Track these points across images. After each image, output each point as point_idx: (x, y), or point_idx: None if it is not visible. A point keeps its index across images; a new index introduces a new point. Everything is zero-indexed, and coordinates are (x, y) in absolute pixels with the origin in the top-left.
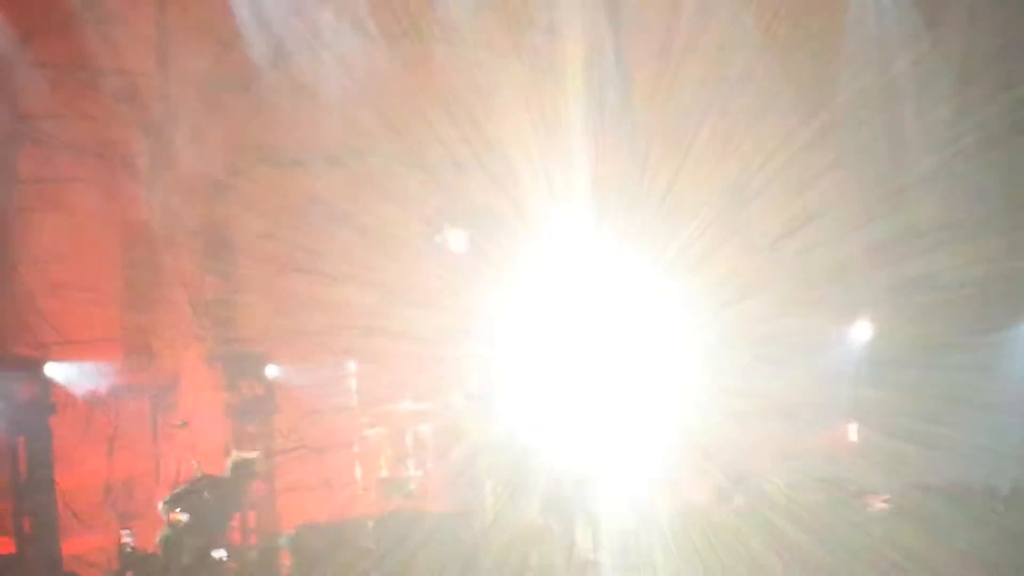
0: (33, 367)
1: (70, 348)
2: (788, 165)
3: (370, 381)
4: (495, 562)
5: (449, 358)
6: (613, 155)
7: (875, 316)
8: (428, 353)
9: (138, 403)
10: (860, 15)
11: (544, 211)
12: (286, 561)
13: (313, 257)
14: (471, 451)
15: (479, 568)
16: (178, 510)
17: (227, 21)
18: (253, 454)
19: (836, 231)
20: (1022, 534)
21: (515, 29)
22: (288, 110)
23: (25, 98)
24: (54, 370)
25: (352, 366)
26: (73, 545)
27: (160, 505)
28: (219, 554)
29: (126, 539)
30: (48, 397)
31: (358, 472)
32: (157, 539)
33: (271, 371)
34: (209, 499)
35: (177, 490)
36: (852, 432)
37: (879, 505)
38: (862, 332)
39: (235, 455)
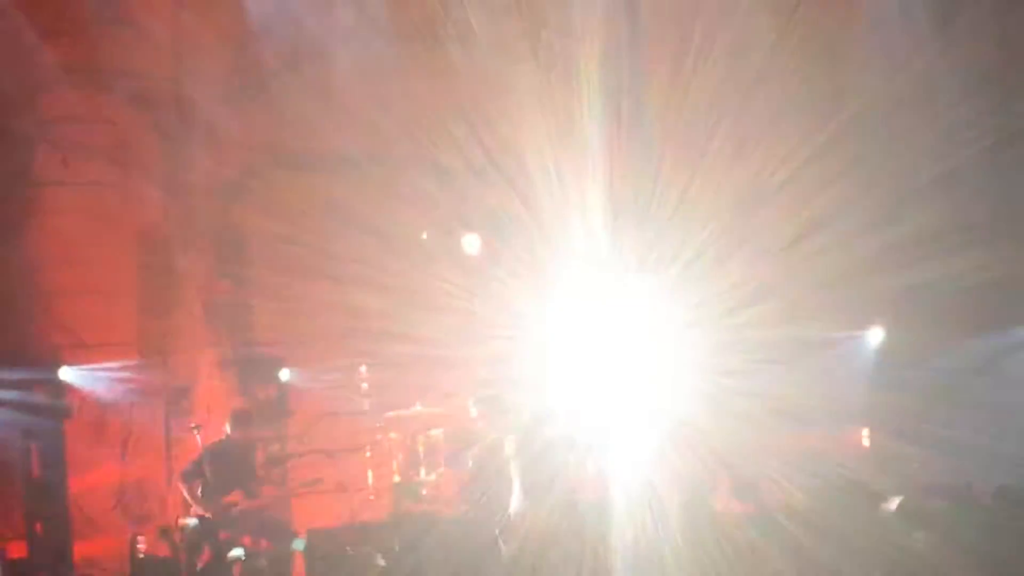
0: (47, 370)
1: (84, 351)
2: (803, 168)
3: (383, 385)
4: (509, 566)
5: (463, 362)
6: (628, 158)
7: (887, 319)
8: (442, 357)
9: (152, 407)
10: (876, 18)
11: (558, 215)
12: (298, 565)
13: (328, 261)
14: (485, 455)
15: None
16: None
17: (243, 23)
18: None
19: (849, 234)
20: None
21: (531, 31)
22: (304, 113)
23: (41, 101)
24: (68, 373)
25: (365, 370)
26: (85, 549)
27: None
28: (236, 553)
29: (139, 544)
30: (62, 400)
31: (370, 476)
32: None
33: (285, 375)
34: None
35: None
36: (864, 436)
37: (892, 507)
38: (874, 335)
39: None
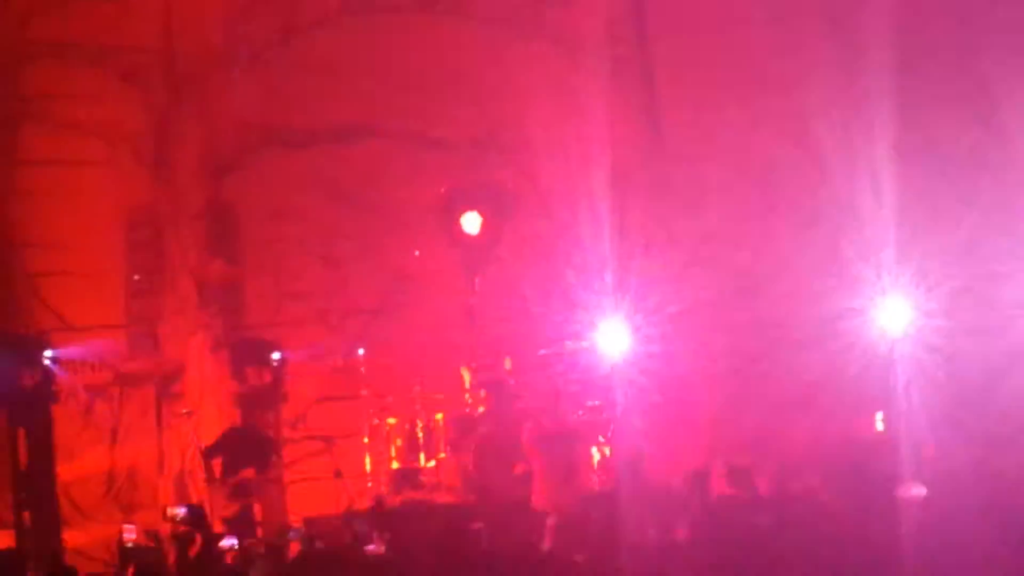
0: (34, 354)
1: (73, 335)
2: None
3: (381, 369)
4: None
5: (463, 344)
6: (633, 132)
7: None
8: (441, 339)
9: (142, 392)
10: None
11: (561, 191)
12: (293, 553)
13: (323, 240)
14: (485, 440)
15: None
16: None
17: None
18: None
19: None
20: None
21: (532, 2)
22: (297, 88)
23: (26, 77)
24: (56, 357)
25: (362, 353)
26: (74, 538)
27: None
28: (229, 543)
29: (128, 533)
30: (49, 385)
31: (368, 463)
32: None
33: (279, 358)
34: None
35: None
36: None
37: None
38: (891, 319)
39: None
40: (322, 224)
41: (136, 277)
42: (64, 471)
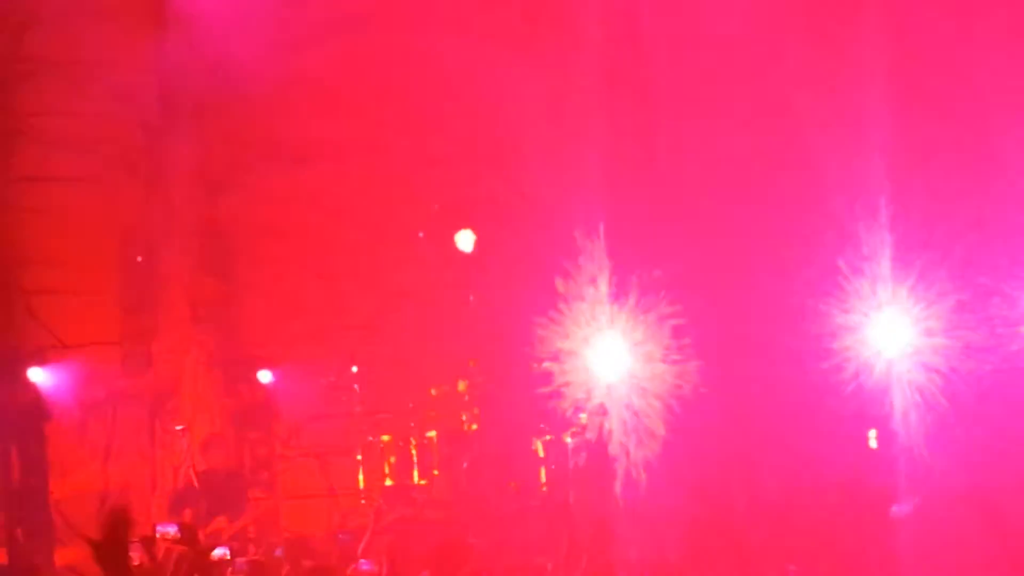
0: (27, 371)
1: (65, 352)
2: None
3: (375, 386)
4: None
5: (456, 361)
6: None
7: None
8: (435, 356)
9: (136, 409)
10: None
11: (556, 208)
12: (285, 571)
13: (316, 257)
14: (479, 458)
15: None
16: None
17: (229, 13)
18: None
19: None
20: None
21: (527, 17)
22: (291, 105)
23: (21, 94)
24: (49, 375)
25: (356, 370)
26: (67, 556)
27: None
28: (220, 552)
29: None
30: (42, 403)
31: (361, 480)
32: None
33: (273, 376)
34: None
35: None
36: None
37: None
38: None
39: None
40: (315, 241)
41: (130, 294)
42: (57, 488)
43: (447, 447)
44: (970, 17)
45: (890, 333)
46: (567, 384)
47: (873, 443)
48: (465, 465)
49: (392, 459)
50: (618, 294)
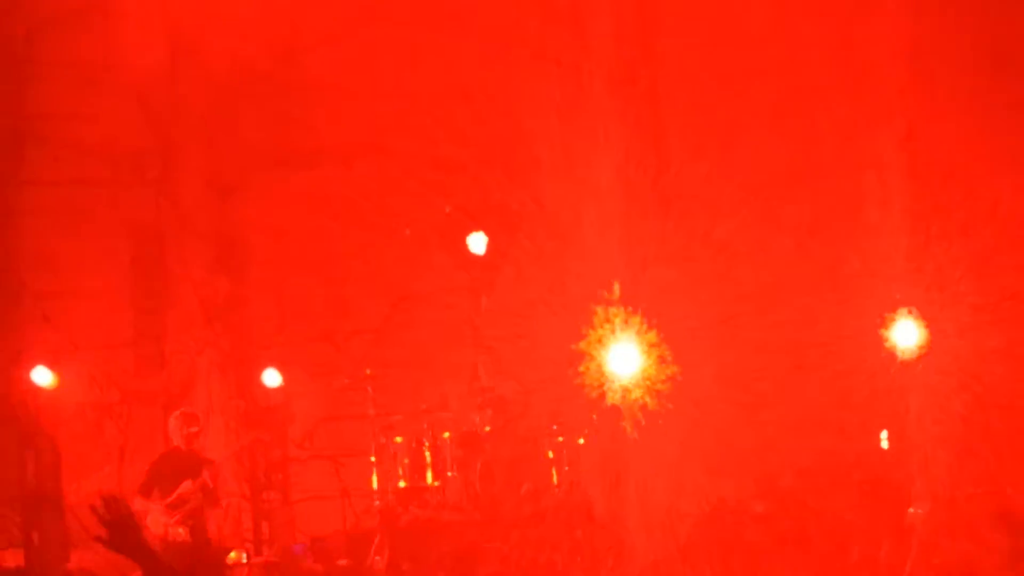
0: (42, 374)
1: (79, 355)
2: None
3: (387, 388)
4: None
5: (469, 363)
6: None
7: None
8: (447, 358)
9: (149, 411)
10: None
11: (568, 210)
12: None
13: (328, 259)
14: (492, 459)
15: None
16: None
17: (239, 17)
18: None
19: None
20: None
21: (539, 21)
22: (301, 108)
23: (31, 97)
24: (63, 377)
25: (369, 372)
26: (83, 558)
27: None
28: (237, 556)
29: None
30: (56, 406)
31: (375, 482)
32: None
33: (285, 377)
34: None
35: None
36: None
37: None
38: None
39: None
40: (327, 243)
41: (143, 297)
42: (72, 491)
43: (460, 449)
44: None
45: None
46: (581, 385)
47: (885, 443)
48: (479, 467)
49: (405, 460)
50: (632, 295)
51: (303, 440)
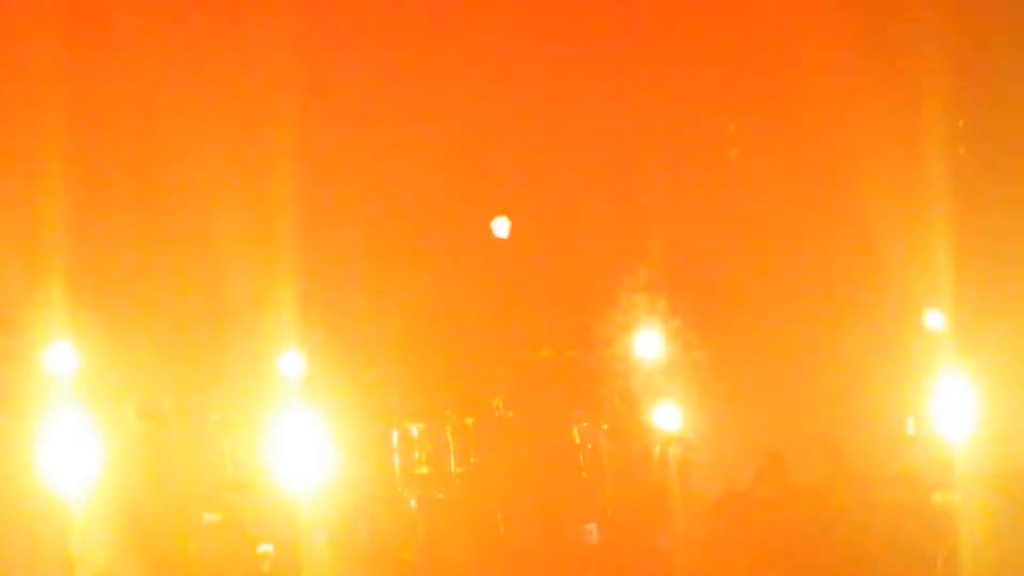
0: None
1: None
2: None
3: (411, 373)
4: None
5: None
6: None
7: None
8: (472, 341)
9: None
10: None
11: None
12: (322, 557)
13: (355, 248)
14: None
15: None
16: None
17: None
18: None
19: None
20: None
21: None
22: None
23: None
24: None
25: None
26: None
27: None
28: (265, 548)
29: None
30: None
31: (397, 468)
32: None
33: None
34: None
35: None
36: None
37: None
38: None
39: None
40: (354, 233)
41: None
42: None
43: (484, 435)
44: None
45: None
46: (605, 372)
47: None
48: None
49: (428, 447)
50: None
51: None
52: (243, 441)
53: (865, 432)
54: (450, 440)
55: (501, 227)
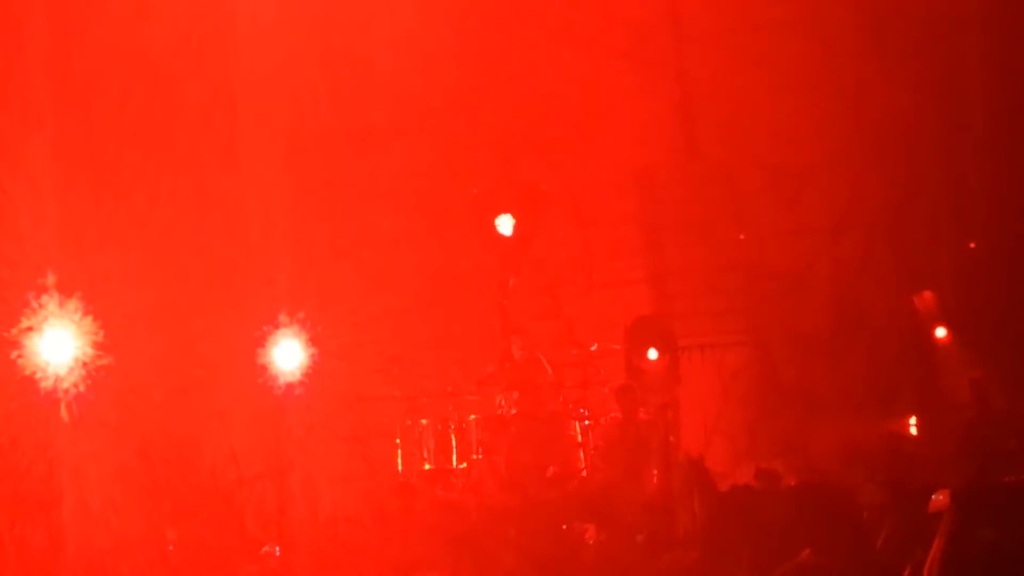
0: None
1: None
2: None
3: (414, 369)
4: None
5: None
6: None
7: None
8: (474, 340)
9: None
10: None
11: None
12: (326, 554)
13: (356, 240)
14: (518, 442)
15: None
16: None
17: None
18: None
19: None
20: None
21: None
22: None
23: None
24: None
25: (396, 353)
26: None
27: None
28: (268, 549)
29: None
30: None
31: (400, 464)
32: None
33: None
34: None
35: None
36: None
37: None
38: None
39: None
40: (355, 224)
41: None
42: None
43: (487, 431)
44: None
45: None
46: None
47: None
48: (504, 449)
49: (431, 443)
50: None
51: (329, 421)
52: None
53: None
54: (452, 437)
55: (506, 224)
